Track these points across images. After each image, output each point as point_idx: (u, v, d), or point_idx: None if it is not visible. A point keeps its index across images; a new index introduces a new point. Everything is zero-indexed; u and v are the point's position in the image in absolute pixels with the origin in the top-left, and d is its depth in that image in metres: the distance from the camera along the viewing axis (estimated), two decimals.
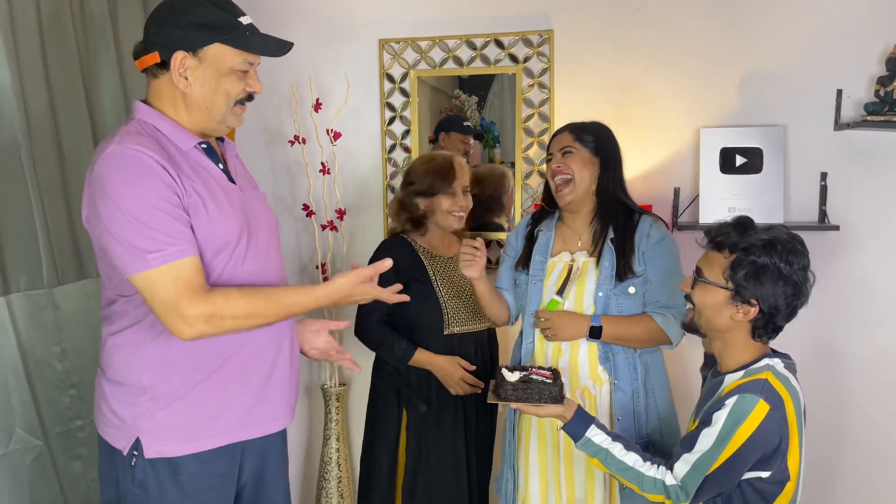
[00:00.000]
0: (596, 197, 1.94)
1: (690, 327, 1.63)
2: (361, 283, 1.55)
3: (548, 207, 2.04)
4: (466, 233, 2.49)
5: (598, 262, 1.89)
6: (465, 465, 2.25)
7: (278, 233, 1.73)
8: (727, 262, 1.52)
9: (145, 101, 1.53)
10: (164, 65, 1.48)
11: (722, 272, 1.53)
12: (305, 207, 2.74)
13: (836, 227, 2.42)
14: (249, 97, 1.55)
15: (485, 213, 2.72)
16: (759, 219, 2.41)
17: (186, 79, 1.47)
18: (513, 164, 2.78)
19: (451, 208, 2.25)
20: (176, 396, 1.49)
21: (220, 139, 1.64)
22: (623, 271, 1.85)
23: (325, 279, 2.74)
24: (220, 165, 1.57)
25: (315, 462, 2.87)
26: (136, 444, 1.49)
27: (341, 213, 2.72)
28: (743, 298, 1.51)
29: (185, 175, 1.45)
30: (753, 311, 1.51)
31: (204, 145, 1.54)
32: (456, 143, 2.79)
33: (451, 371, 2.18)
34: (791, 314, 1.54)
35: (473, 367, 2.22)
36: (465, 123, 2.80)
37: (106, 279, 1.54)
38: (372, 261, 2.14)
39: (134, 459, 1.49)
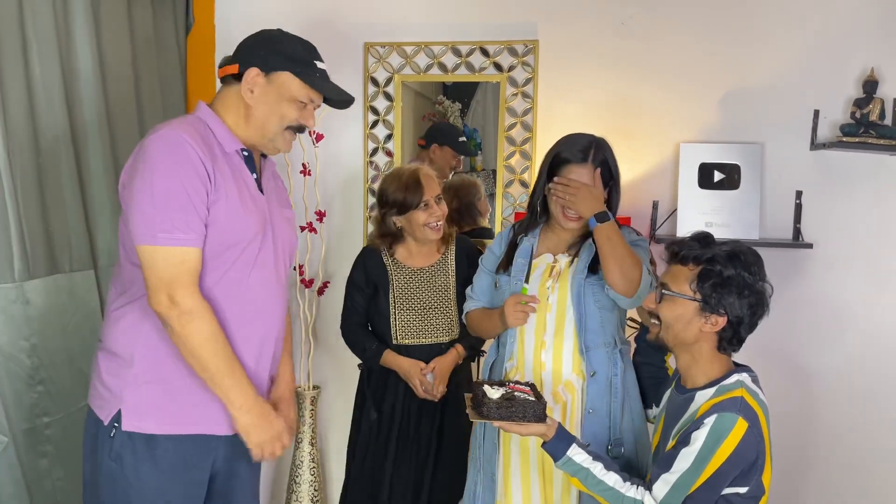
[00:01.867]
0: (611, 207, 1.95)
1: (656, 343, 1.64)
2: (271, 433, 1.64)
3: (537, 219, 2.01)
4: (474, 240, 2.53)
5: (574, 257, 1.92)
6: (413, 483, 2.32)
7: (293, 257, 1.86)
8: (693, 274, 1.55)
9: (210, 105, 1.70)
10: (239, 77, 1.66)
11: (689, 284, 1.55)
12: None
13: (810, 245, 2.47)
14: (301, 128, 1.72)
15: (460, 222, 2.74)
16: (736, 235, 2.49)
17: (252, 92, 1.65)
18: (494, 172, 2.79)
19: (427, 220, 2.29)
20: (162, 378, 1.60)
21: (264, 156, 1.79)
22: (597, 262, 1.87)
23: (303, 281, 2.73)
24: (255, 175, 1.71)
25: (286, 465, 2.85)
26: (118, 416, 1.59)
27: (321, 215, 2.71)
28: (712, 309, 1.53)
29: (220, 171, 1.60)
30: (722, 321, 1.54)
31: (246, 153, 1.69)
32: (447, 156, 2.80)
33: (410, 375, 2.28)
34: (753, 325, 1.57)
35: (430, 370, 2.29)
36: (460, 139, 2.81)
37: (121, 246, 1.67)
38: (354, 271, 2.39)
39: (113, 431, 1.59)
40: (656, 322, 1.62)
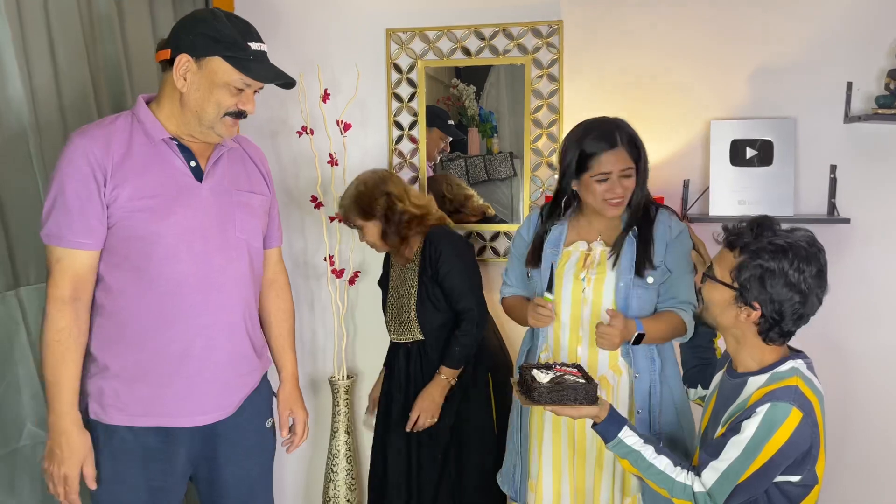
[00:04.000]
0: (640, 191, 1.91)
1: (700, 319, 1.64)
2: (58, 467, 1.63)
3: (568, 203, 1.97)
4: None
5: (617, 253, 1.88)
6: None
7: (262, 241, 1.84)
8: (735, 262, 1.51)
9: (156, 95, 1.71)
10: (172, 62, 1.62)
11: (730, 272, 1.52)
12: (314, 199, 2.72)
13: (847, 220, 2.43)
14: (241, 114, 1.67)
15: (459, 215, 2.77)
16: (769, 212, 2.41)
17: (185, 80, 1.62)
18: (512, 154, 2.76)
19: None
20: (120, 371, 1.66)
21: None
22: (642, 265, 1.84)
23: (334, 272, 2.73)
24: (193, 163, 1.68)
25: (322, 455, 2.86)
26: (86, 407, 1.67)
27: None
28: (745, 300, 1.50)
29: (132, 167, 1.61)
30: (756, 315, 1.51)
31: (175, 141, 1.67)
32: (435, 139, 2.78)
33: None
34: (799, 321, 1.51)
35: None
36: (448, 122, 2.79)
37: None
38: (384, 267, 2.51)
39: (85, 419, 1.67)
40: (701, 299, 1.62)
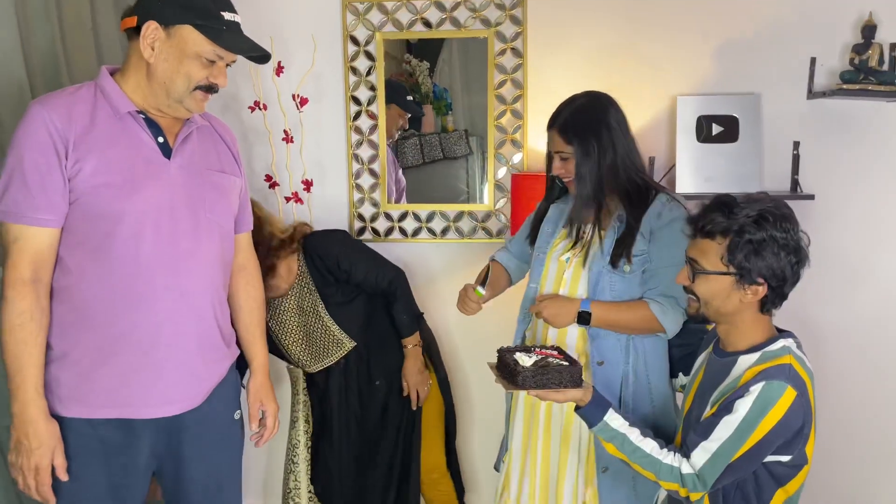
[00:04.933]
0: (603, 179, 1.79)
1: (697, 318, 1.58)
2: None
3: (556, 192, 1.95)
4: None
5: (601, 237, 1.81)
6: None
7: (232, 224, 1.73)
8: (722, 248, 1.47)
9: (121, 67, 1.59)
10: (138, 31, 1.52)
11: (720, 259, 1.48)
12: (268, 178, 2.58)
13: (811, 197, 2.43)
14: (211, 87, 1.57)
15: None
16: (735, 188, 2.43)
17: (153, 49, 1.52)
18: (467, 132, 2.68)
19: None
20: (74, 360, 1.54)
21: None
22: (619, 255, 1.76)
23: None
24: (160, 139, 1.58)
25: (281, 445, 2.75)
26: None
27: (308, 184, 2.58)
28: (749, 280, 1.47)
29: (95, 139, 1.50)
30: (762, 290, 1.48)
31: (142, 115, 1.57)
32: (393, 116, 2.67)
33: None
34: (797, 279, 1.51)
35: None
36: (407, 97, 2.68)
37: None
38: None
39: None
40: (694, 298, 1.55)
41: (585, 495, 1.81)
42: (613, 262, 1.77)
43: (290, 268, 2.23)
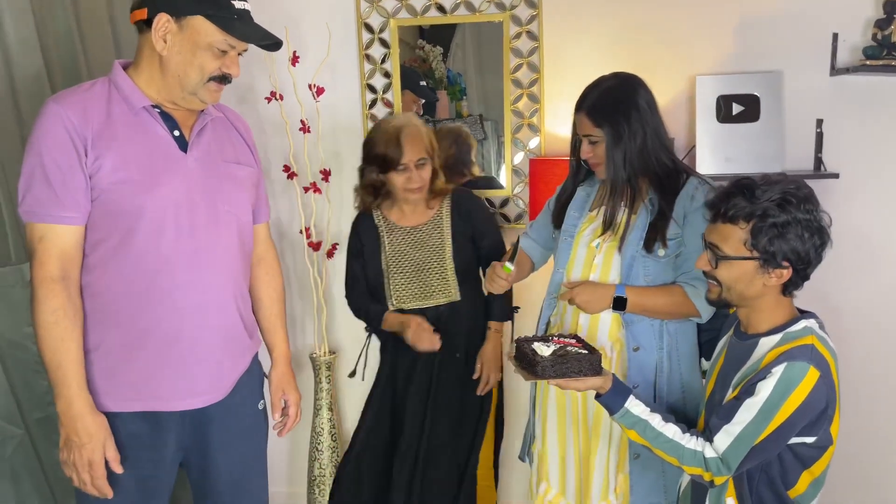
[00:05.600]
0: (608, 163, 1.77)
1: (719, 303, 1.56)
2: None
3: (579, 175, 1.92)
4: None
5: (631, 221, 1.78)
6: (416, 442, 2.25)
7: (249, 215, 1.72)
8: (744, 232, 1.45)
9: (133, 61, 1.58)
10: (149, 23, 1.50)
11: (743, 244, 1.46)
12: (286, 169, 2.59)
13: (836, 175, 2.39)
14: (225, 78, 1.56)
15: (451, 174, 2.58)
16: (757, 169, 2.40)
17: (165, 42, 1.50)
18: (482, 117, 2.67)
19: (404, 185, 2.17)
20: (100, 355, 1.55)
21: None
22: (652, 239, 1.74)
23: (311, 244, 2.62)
24: (176, 133, 1.58)
25: (305, 433, 2.78)
26: None
27: (326, 174, 2.58)
28: (774, 264, 1.45)
29: (112, 135, 1.49)
30: (787, 273, 1.46)
31: (157, 109, 1.56)
32: (408, 102, 2.67)
33: (405, 326, 2.16)
34: (820, 260, 1.49)
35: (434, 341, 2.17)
36: (420, 83, 2.67)
37: None
38: (350, 238, 2.30)
39: None
40: (715, 283, 1.53)
41: (617, 481, 1.81)
42: (648, 247, 1.74)
43: (434, 206, 2.24)
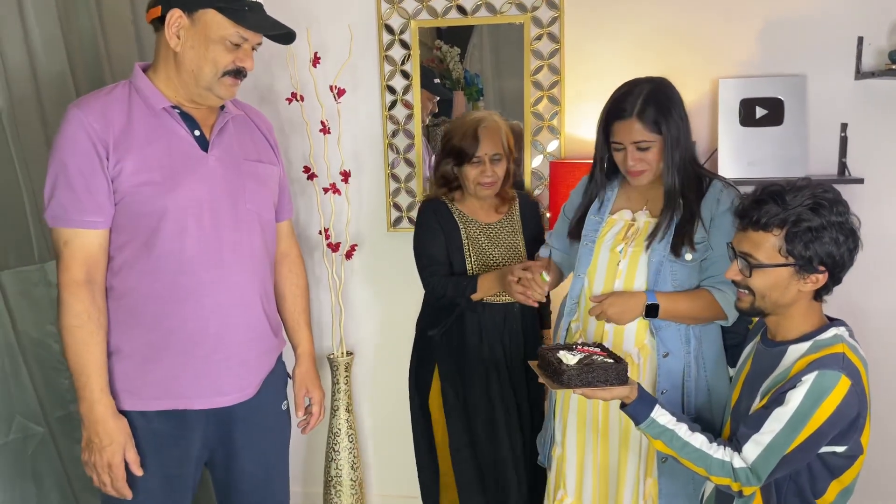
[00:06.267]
0: (667, 169, 1.75)
1: (751, 312, 1.53)
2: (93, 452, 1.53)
3: (603, 177, 1.87)
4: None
5: (658, 225, 1.76)
6: (504, 424, 2.17)
7: (274, 213, 1.73)
8: (779, 239, 1.43)
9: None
10: (163, 21, 1.51)
11: (778, 251, 1.44)
12: (307, 170, 2.59)
13: (861, 181, 2.37)
14: (240, 72, 1.56)
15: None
16: (780, 173, 2.38)
17: (178, 38, 1.51)
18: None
19: (478, 179, 2.15)
20: (126, 354, 1.56)
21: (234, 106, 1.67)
22: (680, 243, 1.72)
23: (329, 245, 2.61)
24: (197, 132, 1.58)
25: (322, 433, 2.78)
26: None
27: (346, 175, 2.58)
28: (809, 269, 1.43)
29: (135, 137, 1.51)
30: (823, 278, 1.44)
31: (177, 110, 1.57)
32: (423, 101, 2.65)
33: (504, 273, 1.98)
34: (852, 263, 1.47)
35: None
36: (435, 80, 2.66)
37: None
38: (425, 218, 2.19)
39: None
40: (746, 292, 1.51)
41: (646, 485, 1.80)
42: (676, 251, 1.73)
43: (506, 202, 2.24)
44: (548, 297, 2.03)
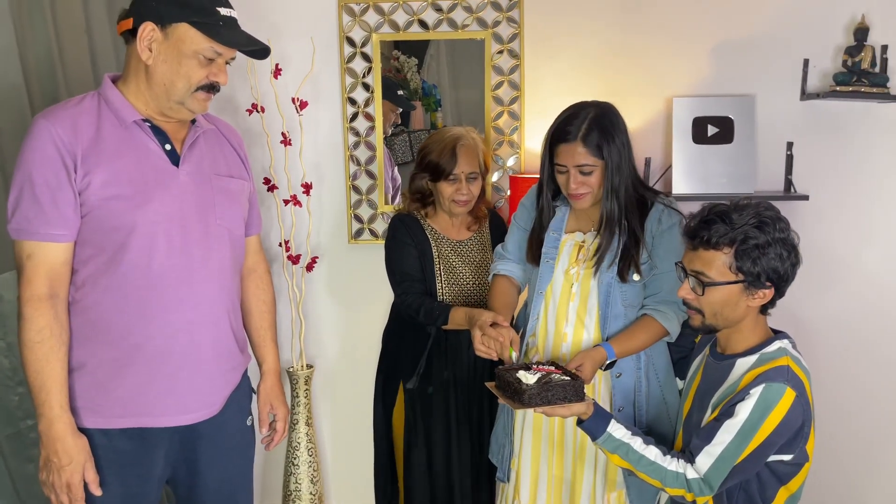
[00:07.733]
0: (605, 194, 1.78)
1: (703, 330, 1.58)
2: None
3: (547, 199, 1.90)
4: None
5: (599, 250, 1.80)
6: (456, 444, 2.19)
7: (242, 228, 1.71)
8: (728, 256, 1.49)
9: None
10: (136, 33, 1.49)
11: (728, 268, 1.50)
12: (267, 181, 2.58)
13: (806, 197, 2.46)
14: (213, 87, 1.55)
15: None
16: (730, 189, 2.46)
17: (150, 51, 1.49)
18: None
19: (453, 196, 2.15)
20: (88, 372, 1.53)
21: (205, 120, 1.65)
22: (626, 268, 1.77)
23: (290, 257, 2.60)
24: (167, 146, 1.56)
25: (281, 447, 2.75)
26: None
27: (307, 188, 2.58)
28: (758, 284, 1.49)
29: (103, 151, 1.48)
30: (769, 293, 1.50)
31: (148, 123, 1.55)
32: (385, 112, 2.67)
33: (474, 321, 1.88)
34: (794, 278, 1.54)
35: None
36: (398, 92, 2.68)
37: None
38: (397, 232, 2.17)
39: None
40: (696, 311, 1.56)
41: (608, 499, 1.83)
42: (622, 275, 1.77)
43: (478, 220, 2.24)
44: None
